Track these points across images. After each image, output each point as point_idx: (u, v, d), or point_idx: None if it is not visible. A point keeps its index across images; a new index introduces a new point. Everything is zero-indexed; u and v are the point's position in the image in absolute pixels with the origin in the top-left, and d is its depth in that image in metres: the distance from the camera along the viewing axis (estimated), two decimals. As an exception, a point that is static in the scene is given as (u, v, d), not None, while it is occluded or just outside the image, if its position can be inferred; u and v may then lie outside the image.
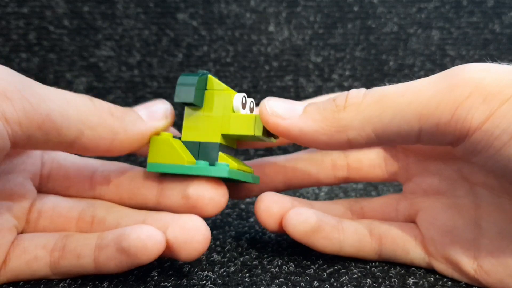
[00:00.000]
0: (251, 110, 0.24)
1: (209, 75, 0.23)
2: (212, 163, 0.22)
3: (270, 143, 0.25)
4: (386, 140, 0.19)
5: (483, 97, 0.17)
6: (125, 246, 0.19)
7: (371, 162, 0.26)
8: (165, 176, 0.23)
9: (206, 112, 0.23)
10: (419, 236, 0.24)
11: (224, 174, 0.21)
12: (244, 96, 0.23)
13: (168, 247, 0.20)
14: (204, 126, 0.23)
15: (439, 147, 0.23)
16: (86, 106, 0.20)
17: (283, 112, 0.21)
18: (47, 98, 0.19)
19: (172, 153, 0.22)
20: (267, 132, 0.22)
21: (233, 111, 0.23)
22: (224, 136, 0.23)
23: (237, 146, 0.25)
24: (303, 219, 0.23)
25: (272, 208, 0.23)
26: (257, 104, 0.24)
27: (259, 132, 0.22)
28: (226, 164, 0.22)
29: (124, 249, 0.20)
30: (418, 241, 0.24)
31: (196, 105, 0.23)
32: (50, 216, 0.23)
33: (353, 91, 0.20)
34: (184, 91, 0.22)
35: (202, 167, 0.22)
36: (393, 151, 0.26)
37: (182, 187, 0.22)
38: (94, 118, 0.20)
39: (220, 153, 0.23)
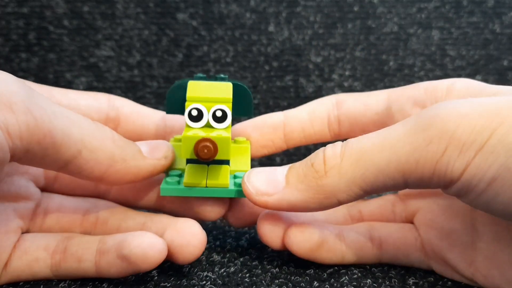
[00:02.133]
0: (218, 119, 0.22)
1: (190, 81, 0.23)
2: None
3: None
4: (375, 192, 0.20)
5: (459, 149, 0.17)
6: (126, 254, 0.20)
7: None
8: None
9: None
10: (419, 238, 0.24)
11: (164, 193, 0.22)
12: (196, 108, 0.21)
13: None
14: None
15: None
16: (89, 128, 0.20)
17: (266, 188, 0.21)
18: (51, 114, 0.18)
19: None
20: (197, 155, 0.20)
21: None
22: None
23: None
24: (307, 236, 0.22)
25: (275, 227, 0.23)
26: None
27: (187, 155, 0.20)
28: (175, 182, 0.22)
29: (125, 256, 0.20)
30: (418, 244, 0.24)
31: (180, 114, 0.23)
32: (55, 216, 0.23)
33: (328, 151, 0.20)
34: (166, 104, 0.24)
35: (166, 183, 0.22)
36: None
37: None
38: (95, 141, 0.20)
39: (188, 166, 0.23)
